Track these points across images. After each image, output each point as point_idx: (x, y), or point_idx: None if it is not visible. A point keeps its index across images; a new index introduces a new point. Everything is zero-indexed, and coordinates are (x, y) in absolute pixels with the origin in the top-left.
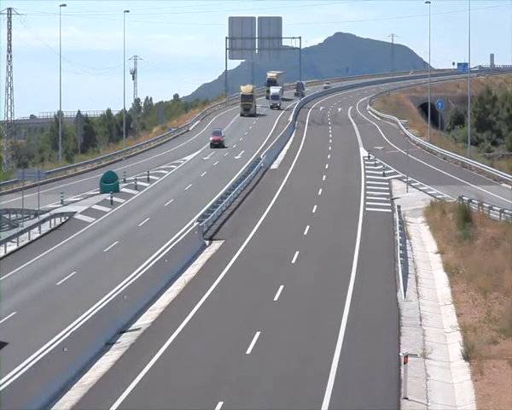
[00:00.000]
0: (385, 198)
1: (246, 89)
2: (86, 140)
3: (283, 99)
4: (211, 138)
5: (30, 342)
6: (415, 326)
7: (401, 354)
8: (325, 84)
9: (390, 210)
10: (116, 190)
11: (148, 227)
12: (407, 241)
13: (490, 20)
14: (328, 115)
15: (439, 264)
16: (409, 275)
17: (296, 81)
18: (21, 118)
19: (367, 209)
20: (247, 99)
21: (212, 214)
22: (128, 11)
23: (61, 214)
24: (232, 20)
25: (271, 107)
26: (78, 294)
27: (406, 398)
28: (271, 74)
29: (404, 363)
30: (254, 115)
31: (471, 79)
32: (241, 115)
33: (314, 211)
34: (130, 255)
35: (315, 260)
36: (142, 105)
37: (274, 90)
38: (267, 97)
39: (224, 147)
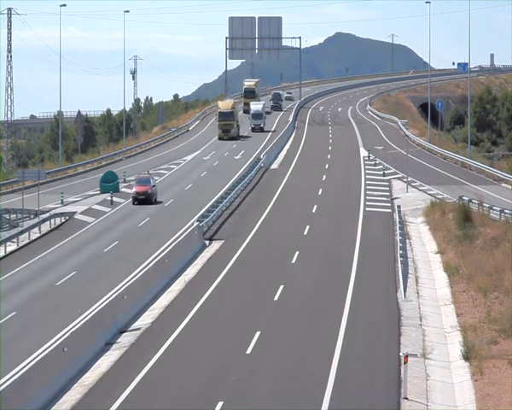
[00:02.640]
0: (385, 198)
1: (225, 104)
2: (86, 140)
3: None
4: (133, 189)
5: (30, 342)
6: (415, 326)
7: (401, 354)
8: (286, 94)
9: (390, 210)
10: (116, 190)
11: (148, 227)
12: (407, 241)
13: (490, 20)
14: (328, 115)
15: (439, 264)
16: (409, 275)
17: (272, 91)
18: (21, 118)
19: (367, 209)
20: (227, 117)
21: (212, 214)
22: (128, 11)
23: (61, 214)
24: (232, 20)
25: (253, 129)
26: (78, 294)
27: (406, 398)
28: (249, 83)
29: (404, 363)
30: (236, 138)
31: (471, 79)
32: (220, 139)
33: (314, 211)
34: (131, 255)
35: (315, 260)
36: (142, 105)
37: (255, 106)
38: (245, 111)
39: (154, 203)
